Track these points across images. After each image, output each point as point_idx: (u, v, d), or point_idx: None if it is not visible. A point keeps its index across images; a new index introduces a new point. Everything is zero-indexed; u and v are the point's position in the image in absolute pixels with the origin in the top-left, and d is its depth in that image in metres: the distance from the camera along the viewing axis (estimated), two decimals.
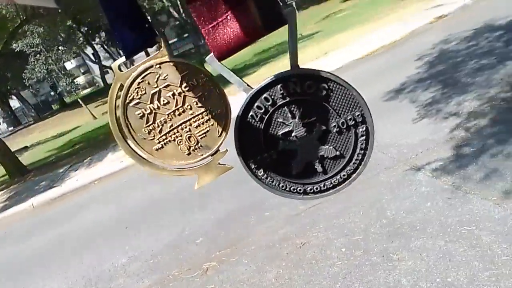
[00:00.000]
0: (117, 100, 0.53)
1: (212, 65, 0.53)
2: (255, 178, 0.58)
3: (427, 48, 6.90)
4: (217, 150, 0.58)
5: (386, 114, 4.90)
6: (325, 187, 0.53)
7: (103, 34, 29.73)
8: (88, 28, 26.84)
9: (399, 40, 8.09)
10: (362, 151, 0.50)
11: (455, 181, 3.17)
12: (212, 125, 0.57)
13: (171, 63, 0.54)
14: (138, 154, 0.58)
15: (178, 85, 0.54)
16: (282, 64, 10.54)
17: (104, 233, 5.18)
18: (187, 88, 0.55)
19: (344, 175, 0.52)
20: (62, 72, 20.77)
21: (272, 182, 0.57)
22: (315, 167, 0.52)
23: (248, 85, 0.54)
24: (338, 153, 0.50)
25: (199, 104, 0.55)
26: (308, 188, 0.54)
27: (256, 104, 0.53)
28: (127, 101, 0.54)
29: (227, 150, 0.59)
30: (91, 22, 24.25)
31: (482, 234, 2.56)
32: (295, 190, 0.55)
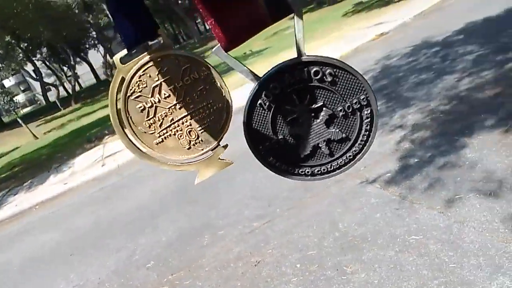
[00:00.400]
0: (118, 94, 0.53)
1: (219, 56, 0.53)
2: (265, 164, 0.58)
3: (370, 64, 7.20)
4: (218, 145, 0.57)
5: None
6: (332, 168, 0.55)
7: (44, 50, 28.44)
8: (28, 44, 25.57)
9: (344, 57, 8.39)
10: (367, 133, 0.52)
11: (402, 192, 3.27)
12: (213, 119, 0.56)
13: (172, 56, 0.54)
14: (138, 148, 0.57)
15: (180, 78, 0.54)
16: (233, 80, 10.55)
17: (46, 261, 4.82)
18: (188, 82, 0.54)
19: (350, 156, 0.54)
20: (0, 90, 19.51)
21: (281, 166, 0.58)
22: (322, 150, 0.53)
23: (255, 74, 0.54)
24: (344, 135, 0.52)
25: (200, 98, 0.55)
26: (316, 170, 0.56)
27: (264, 93, 0.53)
28: (128, 94, 0.53)
29: (227, 145, 0.59)
30: (32, 38, 23.13)
31: (429, 243, 2.64)
32: (303, 173, 0.56)
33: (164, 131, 0.56)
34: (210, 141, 0.58)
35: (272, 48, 13.01)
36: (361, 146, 0.55)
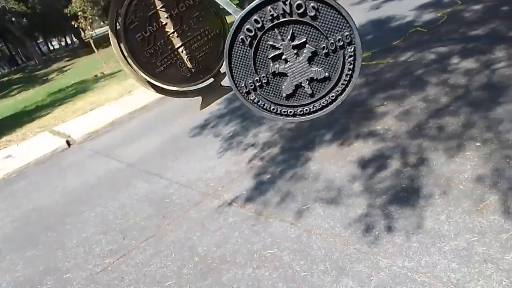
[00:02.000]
0: (116, 23, 0.53)
1: None
2: (247, 102, 0.56)
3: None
4: (218, 71, 0.56)
5: (192, 150, 4.96)
6: (315, 109, 0.53)
7: None
8: None
9: None
10: (350, 72, 0.49)
11: (257, 208, 3.36)
12: (211, 46, 0.55)
13: None
14: (142, 77, 0.56)
15: (175, 6, 0.53)
16: (82, 104, 9.73)
17: None
18: (183, 9, 0.54)
19: (332, 96, 0.52)
20: None
21: (264, 105, 0.56)
22: (305, 89, 0.51)
23: (237, 6, 0.50)
24: (326, 74, 0.50)
25: (197, 25, 0.55)
26: (298, 110, 0.54)
27: (246, 27, 0.51)
28: (126, 24, 0.54)
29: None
30: None
31: (283, 254, 2.73)
32: (285, 113, 0.54)
33: (165, 59, 0.57)
34: (210, 67, 0.58)
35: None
36: (343, 86, 0.53)
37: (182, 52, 0.57)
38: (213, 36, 0.57)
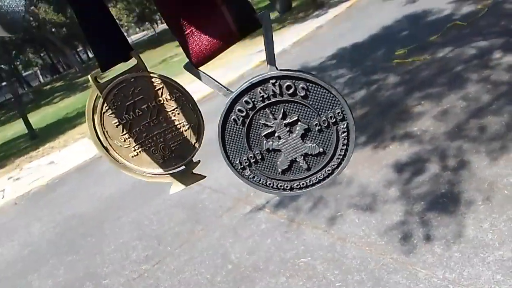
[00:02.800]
0: (94, 109, 0.55)
1: (190, 71, 0.54)
2: (242, 178, 0.58)
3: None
4: (191, 160, 0.60)
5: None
6: (311, 182, 0.55)
7: None
8: None
9: (230, 83, 8.55)
10: (345, 147, 0.51)
11: (289, 214, 3.31)
12: (185, 137, 0.59)
13: (146, 77, 0.57)
14: (116, 160, 0.60)
15: (153, 98, 0.56)
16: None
17: None
18: (161, 102, 0.57)
19: (328, 170, 0.53)
20: None
21: (259, 181, 0.57)
22: (300, 164, 0.53)
23: (227, 89, 0.54)
24: (321, 149, 0.52)
25: (173, 117, 0.58)
26: (295, 184, 0.56)
27: (237, 108, 0.53)
28: (104, 110, 0.55)
29: (199, 160, 0.62)
30: None
31: (316, 263, 2.67)
32: (281, 187, 0.56)
33: (139, 145, 0.59)
34: (183, 156, 0.61)
35: None
36: (339, 160, 0.54)
37: (156, 140, 0.59)
38: (188, 128, 0.59)
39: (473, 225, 2.44)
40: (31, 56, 35.99)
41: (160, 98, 0.58)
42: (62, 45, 25.30)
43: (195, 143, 0.62)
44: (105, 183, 5.72)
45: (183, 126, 0.60)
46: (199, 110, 0.61)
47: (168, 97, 0.58)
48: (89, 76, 0.57)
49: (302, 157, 0.54)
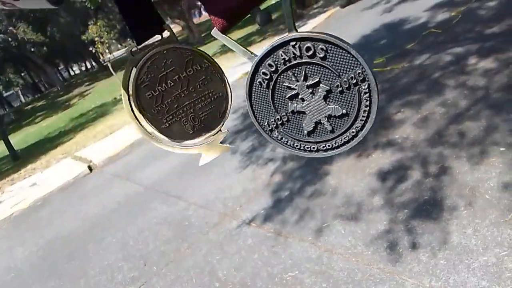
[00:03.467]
0: (129, 82, 0.59)
1: (217, 37, 0.57)
2: (271, 140, 0.60)
3: (240, 101, 7.41)
4: (219, 130, 0.62)
5: (209, 168, 4.94)
6: (337, 144, 0.56)
7: None
8: None
9: None
10: (367, 108, 0.52)
11: (276, 227, 3.29)
12: (214, 107, 0.61)
13: (177, 49, 0.60)
14: (148, 132, 0.62)
15: (183, 69, 0.60)
16: (102, 128, 9.92)
17: None
18: (191, 72, 0.60)
19: (353, 132, 0.54)
20: None
21: (287, 142, 0.59)
22: (325, 126, 0.54)
23: (252, 53, 0.56)
24: (344, 111, 0.52)
25: (202, 87, 0.60)
26: (321, 146, 0.57)
27: (262, 71, 0.55)
28: (138, 83, 0.59)
29: (228, 130, 0.63)
30: None
31: (304, 277, 2.65)
32: (308, 149, 0.58)
33: (170, 116, 0.61)
34: (212, 127, 0.62)
35: None
36: (362, 122, 0.55)
37: (187, 111, 0.62)
38: (216, 98, 0.62)
39: (457, 231, 2.45)
40: (11, 76, 35.47)
41: (190, 69, 0.61)
42: (43, 63, 25.02)
43: (223, 113, 0.64)
44: (89, 202, 5.61)
45: (212, 96, 0.62)
46: (227, 80, 0.63)
47: (198, 67, 0.61)
48: (126, 50, 0.60)
49: (326, 119, 0.55)
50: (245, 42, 13.07)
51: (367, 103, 0.53)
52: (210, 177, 4.72)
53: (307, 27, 10.90)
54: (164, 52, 0.60)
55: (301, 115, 0.56)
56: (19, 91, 39.04)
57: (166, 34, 0.60)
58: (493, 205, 2.52)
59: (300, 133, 0.58)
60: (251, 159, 4.78)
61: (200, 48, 0.61)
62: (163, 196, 4.80)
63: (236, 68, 10.07)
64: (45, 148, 10.40)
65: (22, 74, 36.66)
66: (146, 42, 0.60)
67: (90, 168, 7.14)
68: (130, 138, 7.75)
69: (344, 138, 0.57)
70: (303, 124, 0.57)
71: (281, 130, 0.59)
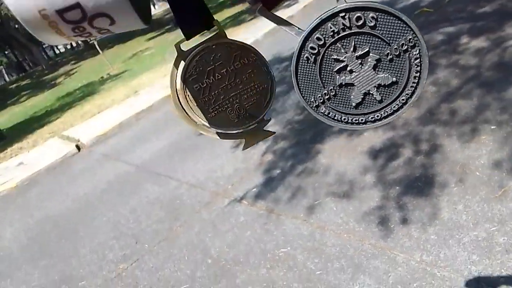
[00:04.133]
0: (177, 75, 0.61)
1: (263, 15, 0.57)
2: (318, 115, 0.60)
3: None
4: (262, 118, 0.65)
5: (200, 149, 4.92)
6: (386, 114, 0.56)
7: None
8: None
9: None
10: (418, 74, 0.52)
11: (268, 205, 3.30)
12: (258, 97, 0.64)
13: (225, 44, 0.61)
14: (194, 121, 0.65)
15: (231, 63, 0.62)
16: (89, 107, 9.76)
17: None
18: (238, 66, 0.62)
19: (402, 100, 0.54)
20: None
21: (334, 116, 0.59)
22: (374, 96, 0.54)
23: (299, 28, 0.56)
24: (394, 79, 0.52)
25: (248, 80, 0.63)
26: (370, 117, 0.57)
27: (309, 46, 0.55)
28: (186, 76, 0.61)
29: (270, 118, 0.66)
30: None
31: (296, 253, 2.67)
32: (356, 121, 0.58)
33: (217, 107, 0.64)
34: (256, 115, 0.65)
35: (131, 71, 12.44)
36: (413, 88, 0.54)
37: (232, 101, 0.66)
38: (261, 89, 0.65)
39: (447, 207, 2.49)
40: None
41: (238, 63, 0.63)
42: (27, 41, 24.36)
43: (267, 102, 0.66)
44: (78, 182, 5.56)
45: (258, 88, 0.65)
46: (272, 72, 0.65)
47: (245, 61, 0.63)
48: (174, 45, 0.62)
49: (375, 89, 0.55)
50: (235, 20, 12.87)
51: (418, 68, 0.54)
52: (201, 157, 4.69)
53: (299, 5, 10.75)
54: (213, 46, 0.62)
55: (349, 87, 0.56)
56: (3, 70, 38.09)
57: (214, 29, 0.62)
58: (483, 182, 2.55)
59: (347, 106, 0.58)
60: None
61: (246, 42, 0.63)
62: (155, 176, 4.77)
63: None
64: (32, 128, 10.21)
65: (6, 52, 35.70)
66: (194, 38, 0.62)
67: (78, 147, 7.04)
68: (119, 118, 7.65)
69: (393, 107, 0.57)
70: (351, 97, 0.57)
71: (328, 104, 0.59)
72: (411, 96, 0.56)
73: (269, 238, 2.93)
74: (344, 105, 0.57)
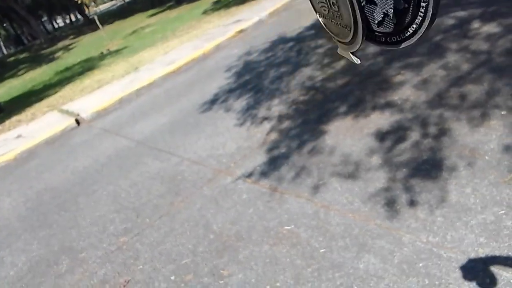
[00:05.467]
0: None
1: None
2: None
3: (233, 60, 7.26)
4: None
5: (202, 126, 4.86)
6: (400, 38, 0.56)
7: None
8: None
9: (206, 54, 8.33)
10: (425, 4, 0.51)
11: (271, 184, 3.27)
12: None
13: None
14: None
15: None
16: (89, 82, 9.64)
17: None
18: None
19: (412, 28, 0.54)
20: None
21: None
22: (391, 18, 0.55)
23: None
24: (406, 5, 0.52)
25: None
26: (388, 38, 0.57)
27: None
28: None
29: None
30: None
31: (300, 231, 2.66)
32: (378, 40, 0.59)
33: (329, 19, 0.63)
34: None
35: (131, 47, 12.26)
36: (421, 18, 0.54)
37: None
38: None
39: (455, 190, 2.46)
40: None
41: None
42: (26, 14, 23.93)
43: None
44: (78, 156, 5.51)
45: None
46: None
47: None
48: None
49: (392, 11, 0.55)
50: None
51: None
52: (203, 134, 4.64)
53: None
54: None
55: (372, 5, 0.56)
56: (1, 43, 37.53)
57: None
58: (492, 166, 2.53)
59: (370, 22, 0.58)
60: (244, 118, 4.70)
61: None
62: (155, 151, 4.72)
63: (228, 26, 9.78)
64: (30, 101, 10.09)
65: (4, 25, 35.11)
66: None
67: (77, 121, 6.97)
68: (119, 94, 7.56)
69: (406, 34, 0.56)
70: (374, 14, 0.57)
71: None
72: (419, 27, 0.56)
73: (272, 215, 2.91)
74: (371, 22, 0.58)
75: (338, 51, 0.68)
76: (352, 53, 0.67)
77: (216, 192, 3.47)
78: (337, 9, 0.61)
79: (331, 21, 0.65)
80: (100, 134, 6.10)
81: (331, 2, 0.62)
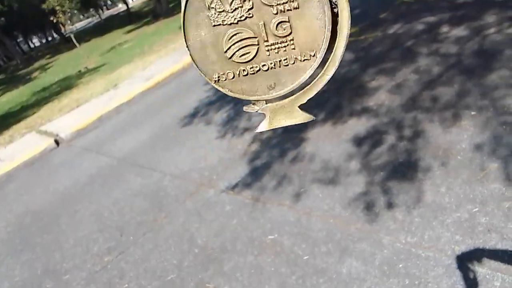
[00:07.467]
0: None
1: None
2: None
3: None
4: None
5: (183, 140, 4.87)
6: None
7: None
8: None
9: (186, 68, 8.35)
10: None
11: (254, 194, 3.29)
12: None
13: None
14: None
15: None
16: (67, 101, 9.54)
17: None
18: None
19: None
20: None
21: None
22: None
23: None
24: None
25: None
26: None
27: None
28: None
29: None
30: None
31: (283, 239, 2.68)
32: None
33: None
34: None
35: (109, 64, 12.20)
36: None
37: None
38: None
39: (431, 190, 2.53)
40: None
41: None
42: (1, 35, 23.59)
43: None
44: (58, 176, 5.43)
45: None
46: None
47: None
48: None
49: None
50: None
51: None
52: (184, 148, 4.65)
53: None
54: None
55: None
56: None
57: None
58: (465, 165, 2.61)
59: None
60: (225, 130, 4.73)
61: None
62: (137, 168, 4.70)
63: None
64: (7, 123, 9.91)
65: None
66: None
67: (56, 142, 6.88)
68: (99, 111, 7.50)
69: None
70: None
71: None
72: None
73: (255, 225, 2.93)
74: None
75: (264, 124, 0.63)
76: (302, 105, 0.65)
77: (199, 205, 3.47)
78: (287, 33, 0.57)
79: (261, 66, 0.62)
80: (80, 154, 6.04)
81: (275, 27, 0.60)
